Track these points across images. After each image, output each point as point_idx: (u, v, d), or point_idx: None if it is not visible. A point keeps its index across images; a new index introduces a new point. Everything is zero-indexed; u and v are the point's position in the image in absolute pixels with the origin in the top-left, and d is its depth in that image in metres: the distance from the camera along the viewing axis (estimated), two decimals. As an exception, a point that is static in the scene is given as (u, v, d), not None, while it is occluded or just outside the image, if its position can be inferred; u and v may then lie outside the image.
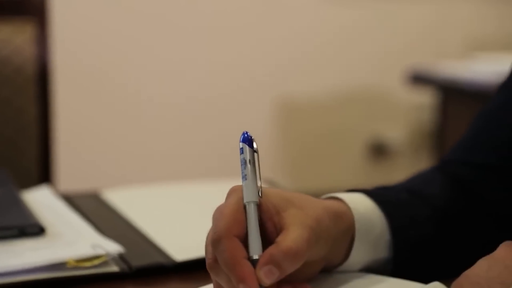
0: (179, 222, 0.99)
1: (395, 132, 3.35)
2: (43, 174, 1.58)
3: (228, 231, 0.67)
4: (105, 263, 0.85)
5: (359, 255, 0.78)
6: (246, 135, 0.72)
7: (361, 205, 0.80)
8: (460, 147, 0.95)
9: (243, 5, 2.96)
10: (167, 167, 2.68)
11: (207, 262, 0.69)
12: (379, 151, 3.35)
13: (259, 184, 0.70)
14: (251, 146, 0.71)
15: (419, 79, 2.65)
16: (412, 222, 0.84)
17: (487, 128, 0.93)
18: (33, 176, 1.57)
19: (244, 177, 0.70)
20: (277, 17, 3.03)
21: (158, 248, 0.90)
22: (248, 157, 0.71)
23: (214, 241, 0.68)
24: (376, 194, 0.83)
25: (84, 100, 2.67)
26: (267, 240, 0.69)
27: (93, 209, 1.05)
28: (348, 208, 0.78)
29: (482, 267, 0.71)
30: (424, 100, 3.08)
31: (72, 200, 1.09)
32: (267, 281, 0.66)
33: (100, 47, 2.69)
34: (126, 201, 1.07)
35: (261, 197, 0.70)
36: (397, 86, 3.08)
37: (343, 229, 0.76)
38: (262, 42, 3.02)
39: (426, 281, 0.74)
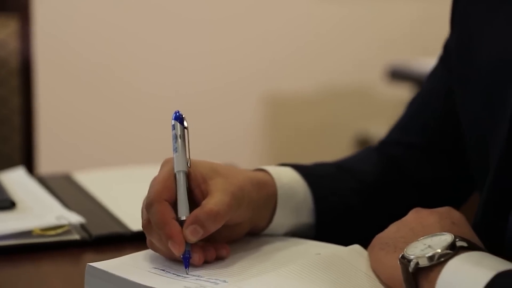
0: (138, 198, 1.08)
1: (380, 127, 3.43)
2: (26, 161, 1.67)
3: (159, 196, 0.78)
4: (67, 232, 0.94)
5: (281, 219, 0.88)
6: (177, 113, 0.82)
7: (285, 175, 0.90)
8: (395, 129, 1.04)
9: (231, 2, 3.01)
10: (150, 158, 2.76)
11: (142, 223, 0.79)
12: (365, 145, 3.43)
13: (187, 156, 0.80)
14: (182, 123, 0.81)
15: (397, 75, 2.73)
16: (335, 192, 0.93)
17: (417, 112, 1.02)
18: (16, 163, 1.65)
19: (175, 150, 0.80)
20: (264, 15, 3.08)
21: (116, 219, 1.00)
22: (179, 133, 0.81)
23: (147, 204, 0.78)
24: (303, 167, 0.93)
25: (64, 91, 2.74)
26: (195, 205, 0.79)
27: (62, 188, 1.15)
28: (272, 178, 0.87)
29: (391, 230, 0.80)
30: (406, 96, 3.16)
31: (44, 181, 1.18)
32: (192, 238, 0.76)
33: (80, 41, 2.75)
34: (93, 181, 1.17)
35: (189, 167, 0.80)
36: (382, 82, 3.16)
37: (265, 196, 0.85)
38: (250, 39, 3.06)
39: (347, 244, 0.84)
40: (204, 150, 2.98)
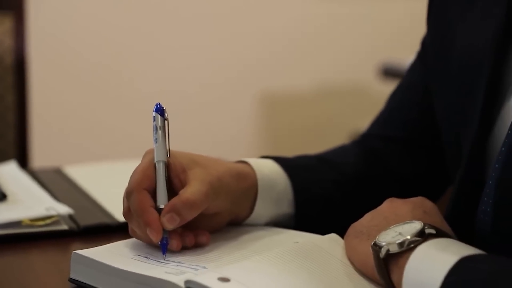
0: (123, 190, 1.12)
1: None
2: (20, 157, 1.70)
3: (138, 185, 0.81)
4: (56, 222, 0.98)
5: (262, 210, 0.91)
6: (158, 106, 0.85)
7: (265, 167, 0.93)
8: (376, 123, 1.08)
9: (227, 0, 3.03)
10: (142, 153, 2.78)
11: (123, 211, 0.83)
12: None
13: (167, 146, 0.83)
14: (162, 115, 0.84)
15: (391, 73, 2.76)
16: (314, 183, 0.96)
17: (397, 106, 1.05)
18: (10, 158, 1.68)
19: (155, 141, 0.84)
20: (259, 13, 3.08)
21: (104, 210, 1.03)
22: (159, 124, 0.84)
23: (127, 193, 0.82)
24: (284, 159, 0.96)
25: (58, 88, 2.76)
26: (174, 194, 0.82)
27: (53, 181, 1.18)
28: (253, 169, 0.90)
29: (366, 218, 0.83)
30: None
31: (36, 174, 1.21)
32: (169, 225, 0.80)
33: (73, 38, 2.77)
34: (83, 174, 1.20)
35: (169, 157, 0.83)
36: (377, 80, 3.18)
37: (245, 187, 0.89)
38: (245, 38, 3.07)
39: (326, 234, 0.87)
40: (200, 148, 2.99)
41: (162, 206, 0.81)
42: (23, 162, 1.68)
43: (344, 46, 3.31)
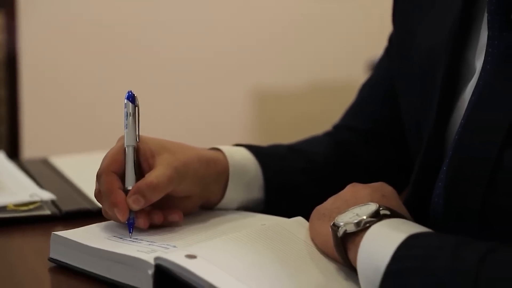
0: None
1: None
2: (11, 149, 1.75)
3: (108, 168, 0.87)
4: (39, 208, 1.03)
5: (233, 194, 0.96)
6: (130, 93, 0.90)
7: (237, 154, 0.98)
8: (346, 115, 1.13)
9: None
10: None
11: (94, 192, 0.89)
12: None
13: (137, 132, 0.88)
14: (133, 102, 0.89)
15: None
16: (284, 170, 1.01)
17: (365, 99, 1.11)
18: (1, 149, 1.74)
19: (126, 126, 0.89)
20: (252, 11, 3.10)
21: (86, 197, 1.08)
22: (130, 111, 0.89)
23: (97, 175, 0.88)
24: (255, 147, 1.01)
25: (48, 82, 2.80)
26: (142, 177, 0.87)
27: (39, 170, 1.23)
28: (225, 156, 0.95)
29: (329, 202, 0.88)
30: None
31: (23, 164, 1.26)
32: (134, 206, 0.85)
33: (64, 35, 2.80)
34: (68, 164, 1.25)
35: (138, 142, 0.88)
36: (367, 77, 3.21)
37: (216, 173, 0.94)
38: (237, 35, 3.09)
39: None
40: (191, 143, 3.03)
41: (129, 188, 0.87)
42: (15, 153, 1.73)
43: (336, 43, 3.34)
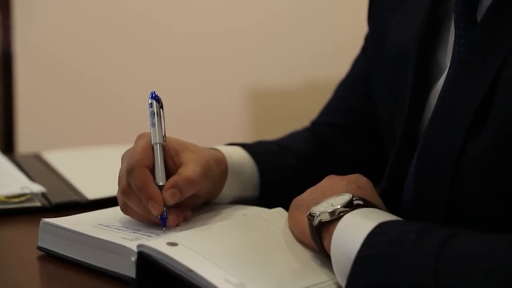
0: (96, 173, 1.20)
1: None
2: (7, 145, 1.79)
3: (140, 162, 0.89)
4: (30, 200, 1.06)
5: (228, 192, 1.00)
6: (154, 94, 0.94)
7: (234, 153, 1.02)
8: (324, 111, 1.17)
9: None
10: (123, 140, 2.82)
11: (121, 188, 0.89)
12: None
13: (163, 131, 0.91)
14: (158, 102, 0.93)
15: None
16: (277, 168, 1.05)
17: (342, 96, 1.14)
18: (-2, 147, 1.78)
19: (153, 125, 0.92)
20: (248, 8, 3.11)
21: (75, 190, 1.11)
22: (156, 110, 0.92)
23: (129, 170, 0.88)
24: (250, 146, 1.05)
25: (43, 81, 2.82)
26: (168, 174, 0.90)
27: (31, 164, 1.26)
28: (224, 156, 0.99)
29: (307, 193, 0.92)
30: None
31: (15, 158, 1.30)
32: (170, 200, 0.88)
33: (59, 33, 2.83)
34: (59, 159, 1.28)
35: (165, 140, 0.91)
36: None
37: (222, 171, 0.98)
38: (232, 32, 3.10)
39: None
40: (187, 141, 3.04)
41: (161, 183, 0.89)
42: (10, 149, 1.76)
43: (331, 41, 3.35)
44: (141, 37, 2.93)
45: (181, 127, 2.97)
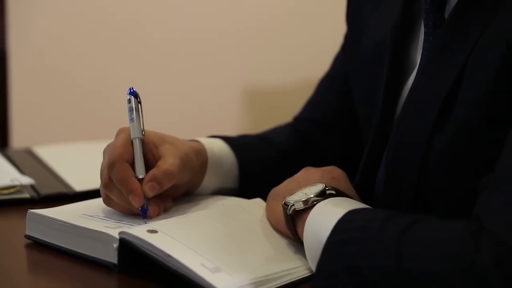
0: (84, 166, 1.24)
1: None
2: (1, 141, 1.82)
3: (121, 157, 0.92)
4: (19, 191, 1.10)
5: (208, 184, 1.03)
6: (132, 90, 0.97)
7: (215, 145, 1.05)
8: (305, 107, 1.20)
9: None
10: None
11: (103, 182, 0.92)
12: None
13: (142, 125, 0.95)
14: (136, 97, 0.96)
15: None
16: (256, 160, 1.08)
17: (321, 93, 1.18)
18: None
19: (131, 120, 0.95)
20: (243, 7, 3.11)
21: (64, 182, 1.15)
22: (134, 105, 0.96)
23: (110, 165, 0.92)
24: (231, 138, 1.08)
25: (37, 80, 2.85)
26: (147, 167, 0.94)
27: (22, 158, 1.30)
28: (204, 147, 1.03)
29: (284, 184, 0.96)
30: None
31: (6, 153, 1.34)
32: (150, 193, 0.91)
33: (53, 31, 2.86)
34: (49, 153, 1.32)
35: (143, 135, 0.95)
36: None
37: (201, 163, 1.01)
38: (228, 32, 3.11)
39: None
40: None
41: (141, 176, 0.92)
42: (5, 145, 1.79)
43: (328, 41, 3.34)
44: (136, 36, 2.95)
45: (178, 127, 3.01)
